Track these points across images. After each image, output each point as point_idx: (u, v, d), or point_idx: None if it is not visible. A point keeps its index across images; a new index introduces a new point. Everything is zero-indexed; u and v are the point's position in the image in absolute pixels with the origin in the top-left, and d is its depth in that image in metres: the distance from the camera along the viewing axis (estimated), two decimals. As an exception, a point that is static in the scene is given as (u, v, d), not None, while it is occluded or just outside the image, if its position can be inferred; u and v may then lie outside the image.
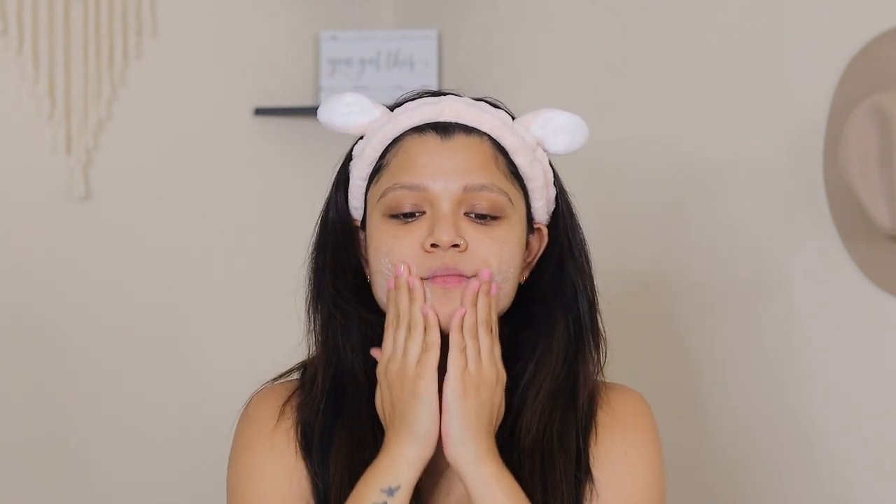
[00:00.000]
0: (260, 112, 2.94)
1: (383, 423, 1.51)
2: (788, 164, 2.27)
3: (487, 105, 1.58)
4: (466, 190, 1.51)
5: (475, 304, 1.50)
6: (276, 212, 2.96)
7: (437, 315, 1.49)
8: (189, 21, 2.89)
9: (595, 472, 1.55)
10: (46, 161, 2.76)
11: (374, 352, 1.54)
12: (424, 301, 1.50)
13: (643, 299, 2.48)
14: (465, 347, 1.49)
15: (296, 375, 1.63)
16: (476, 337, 1.50)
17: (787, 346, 2.29)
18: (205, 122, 2.91)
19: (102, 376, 2.81)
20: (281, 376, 1.63)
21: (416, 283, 1.50)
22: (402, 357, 1.49)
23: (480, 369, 1.49)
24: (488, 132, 1.55)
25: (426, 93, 1.60)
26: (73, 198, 2.78)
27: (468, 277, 1.50)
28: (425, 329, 1.49)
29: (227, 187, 2.94)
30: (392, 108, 1.59)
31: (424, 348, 1.49)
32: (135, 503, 2.85)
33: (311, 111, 2.91)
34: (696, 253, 2.42)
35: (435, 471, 1.55)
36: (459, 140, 1.54)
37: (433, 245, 1.49)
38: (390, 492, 1.47)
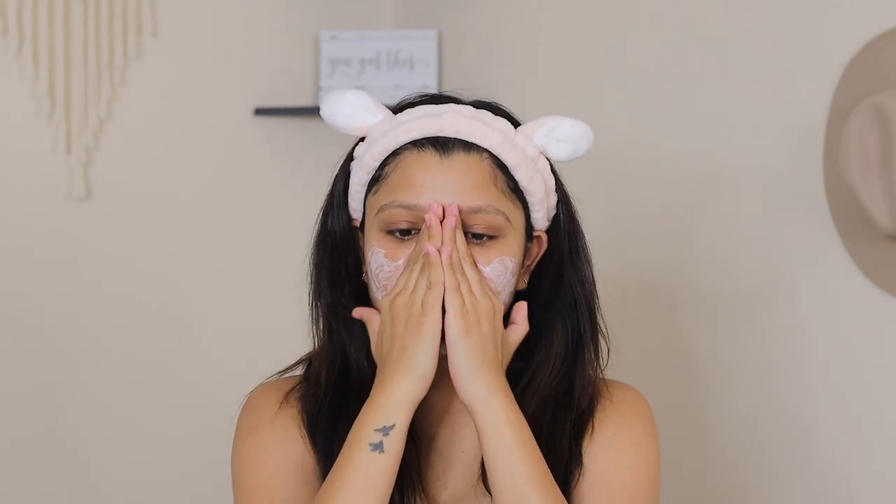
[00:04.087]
0: (260, 112, 2.94)
1: (378, 359, 1.51)
2: (788, 164, 2.27)
3: (489, 115, 1.56)
4: (463, 212, 1.51)
5: (453, 240, 1.50)
6: (276, 212, 2.96)
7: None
8: (189, 21, 2.89)
9: (586, 459, 1.56)
10: (46, 161, 2.76)
11: (359, 311, 1.54)
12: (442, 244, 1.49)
13: (644, 300, 2.48)
14: (458, 286, 1.49)
15: (298, 371, 1.63)
16: (463, 271, 1.50)
17: (786, 345, 2.29)
18: (205, 122, 2.91)
19: (102, 377, 2.81)
20: (284, 371, 1.64)
21: (435, 224, 1.50)
22: (411, 292, 1.49)
23: (476, 302, 1.49)
24: (489, 149, 1.53)
25: (428, 97, 1.59)
26: (72, 198, 2.78)
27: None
28: (430, 266, 1.49)
29: (227, 187, 2.94)
30: (394, 111, 1.58)
31: (428, 285, 1.49)
32: (134, 502, 2.85)
33: (311, 111, 2.91)
34: (696, 252, 2.42)
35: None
36: (458, 158, 1.52)
37: None
38: (385, 431, 1.46)
